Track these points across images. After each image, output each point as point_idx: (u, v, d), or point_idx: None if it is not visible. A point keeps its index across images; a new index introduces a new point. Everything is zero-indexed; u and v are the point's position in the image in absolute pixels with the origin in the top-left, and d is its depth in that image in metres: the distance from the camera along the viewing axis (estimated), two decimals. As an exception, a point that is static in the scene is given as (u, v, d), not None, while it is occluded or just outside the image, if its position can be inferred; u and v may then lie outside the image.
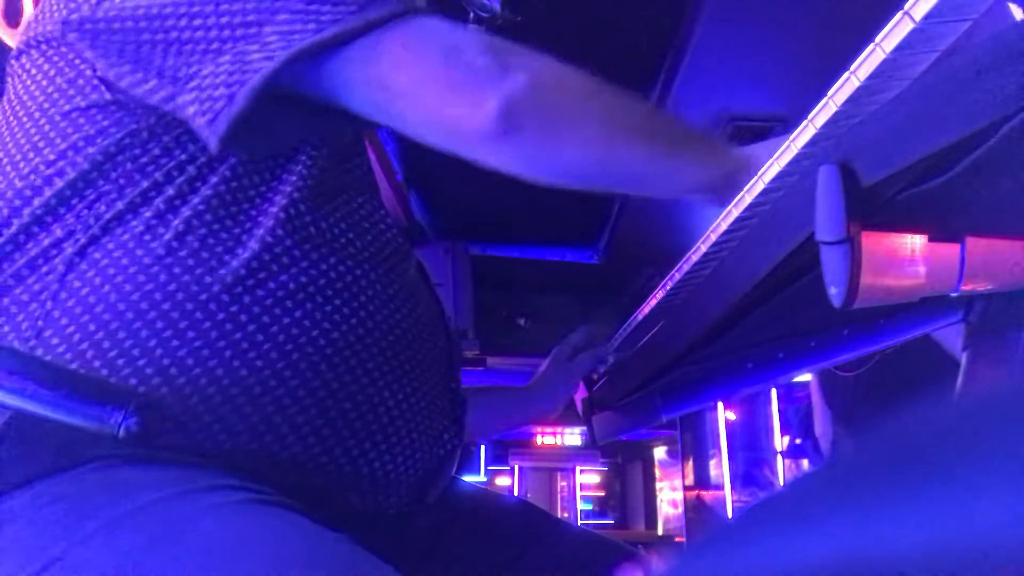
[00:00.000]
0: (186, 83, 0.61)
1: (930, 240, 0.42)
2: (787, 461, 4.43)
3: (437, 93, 0.62)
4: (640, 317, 0.83)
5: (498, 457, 8.46)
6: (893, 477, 0.25)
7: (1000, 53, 0.31)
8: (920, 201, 0.41)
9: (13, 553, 0.51)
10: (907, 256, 0.42)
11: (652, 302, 0.77)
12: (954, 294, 0.45)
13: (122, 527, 0.50)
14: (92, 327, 0.59)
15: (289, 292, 0.63)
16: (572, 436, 8.22)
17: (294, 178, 0.67)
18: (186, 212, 0.63)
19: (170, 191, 0.63)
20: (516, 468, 8.25)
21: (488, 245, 3.57)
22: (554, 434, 8.33)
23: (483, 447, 8.44)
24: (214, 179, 0.64)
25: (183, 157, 0.64)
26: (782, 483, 4.53)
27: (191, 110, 0.61)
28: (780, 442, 4.54)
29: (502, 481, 8.32)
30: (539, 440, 8.38)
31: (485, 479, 8.32)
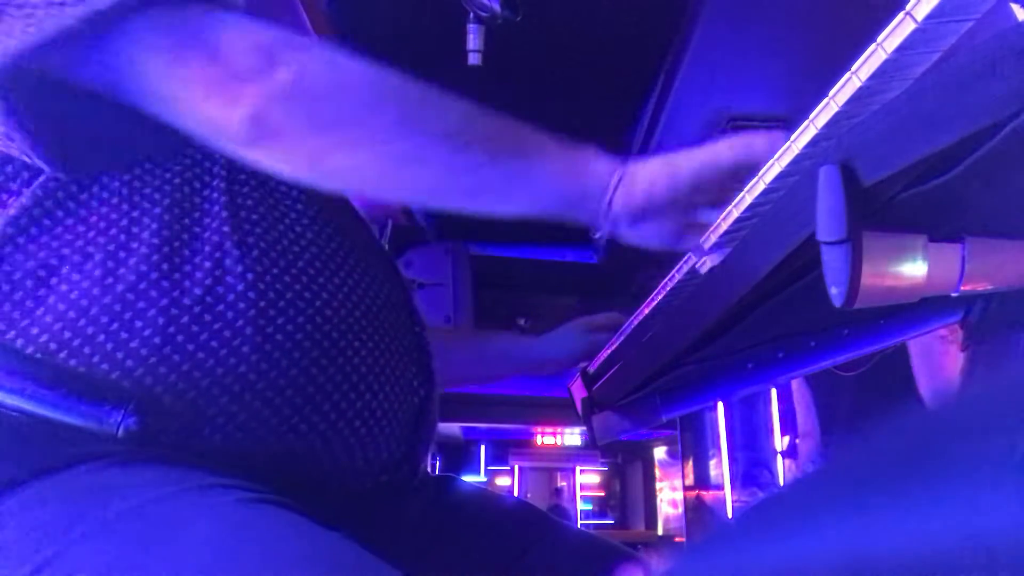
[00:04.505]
0: None
1: (930, 240, 0.42)
2: (787, 461, 4.43)
3: (197, 94, 0.59)
4: (640, 317, 0.83)
5: (498, 457, 8.47)
6: (893, 477, 0.25)
7: (1002, 53, 0.31)
8: (921, 201, 0.41)
9: (2, 557, 0.51)
10: (907, 256, 0.42)
11: (652, 302, 0.77)
12: (954, 294, 0.45)
13: (113, 529, 0.50)
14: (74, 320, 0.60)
15: (225, 270, 0.63)
16: (572, 436, 8.23)
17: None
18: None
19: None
20: (516, 468, 8.26)
21: (488, 245, 3.57)
22: (554, 434, 8.34)
23: (483, 447, 8.44)
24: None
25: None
26: (782, 483, 4.53)
27: None
28: (780, 442, 4.54)
29: (502, 481, 8.34)
30: (539, 440, 8.38)
31: (485, 479, 8.33)
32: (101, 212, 0.62)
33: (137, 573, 0.47)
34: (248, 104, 0.57)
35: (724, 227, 0.57)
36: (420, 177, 0.63)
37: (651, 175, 0.65)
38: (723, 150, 0.65)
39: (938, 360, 1.62)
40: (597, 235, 0.72)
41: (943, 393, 1.60)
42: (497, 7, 1.09)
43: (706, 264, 0.63)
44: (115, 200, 0.63)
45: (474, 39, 1.14)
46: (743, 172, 0.61)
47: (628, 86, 2.65)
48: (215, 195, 0.66)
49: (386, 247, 0.86)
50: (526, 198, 0.65)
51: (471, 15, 1.12)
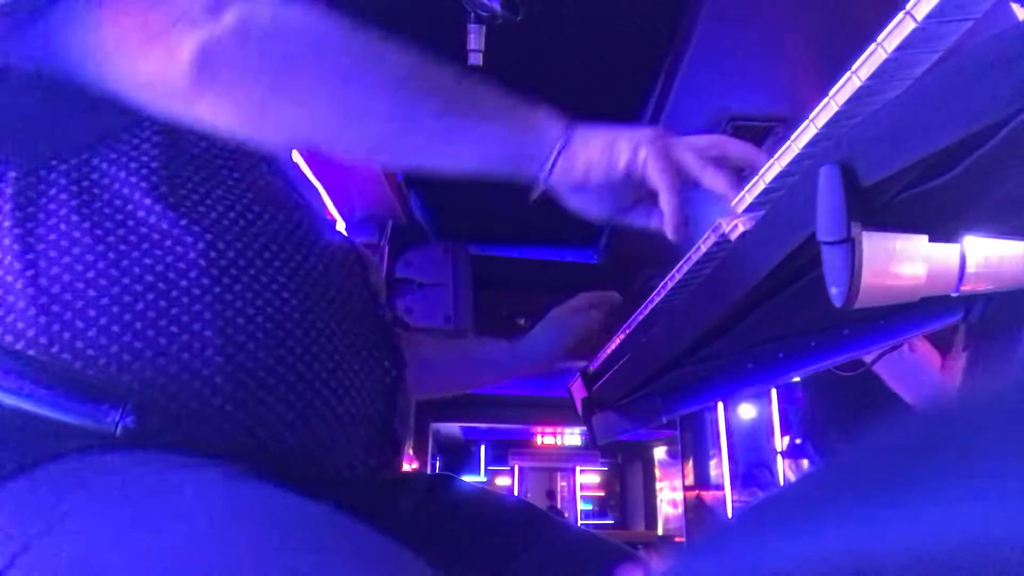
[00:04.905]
0: None
1: (930, 240, 0.42)
2: (787, 461, 4.43)
3: (135, 45, 0.56)
4: (640, 317, 0.83)
5: (498, 457, 8.47)
6: (893, 477, 0.25)
7: (1002, 53, 0.31)
8: (920, 201, 0.41)
9: None
10: (907, 256, 0.42)
11: (652, 302, 0.77)
12: (954, 294, 0.45)
13: (101, 501, 0.50)
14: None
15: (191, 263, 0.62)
16: (572, 436, 8.22)
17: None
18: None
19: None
20: (516, 468, 8.25)
21: (488, 245, 3.57)
22: (554, 434, 8.34)
23: (483, 447, 8.44)
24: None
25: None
26: (782, 483, 4.53)
27: None
28: (780, 442, 4.54)
29: (502, 481, 8.33)
30: (539, 440, 8.38)
31: (485, 479, 8.32)
32: (50, 209, 0.61)
33: (127, 542, 0.47)
34: (193, 47, 0.55)
35: (725, 227, 0.57)
36: (367, 127, 0.62)
37: (589, 156, 0.64)
38: (662, 160, 0.64)
39: (908, 369, 1.62)
40: (534, 195, 0.71)
41: (923, 397, 1.60)
42: (497, 7, 1.09)
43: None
44: (63, 194, 0.62)
45: (474, 39, 1.14)
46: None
47: (628, 86, 2.65)
48: (157, 186, 0.64)
49: (386, 245, 0.86)
50: (474, 153, 0.64)
51: (471, 15, 1.12)
